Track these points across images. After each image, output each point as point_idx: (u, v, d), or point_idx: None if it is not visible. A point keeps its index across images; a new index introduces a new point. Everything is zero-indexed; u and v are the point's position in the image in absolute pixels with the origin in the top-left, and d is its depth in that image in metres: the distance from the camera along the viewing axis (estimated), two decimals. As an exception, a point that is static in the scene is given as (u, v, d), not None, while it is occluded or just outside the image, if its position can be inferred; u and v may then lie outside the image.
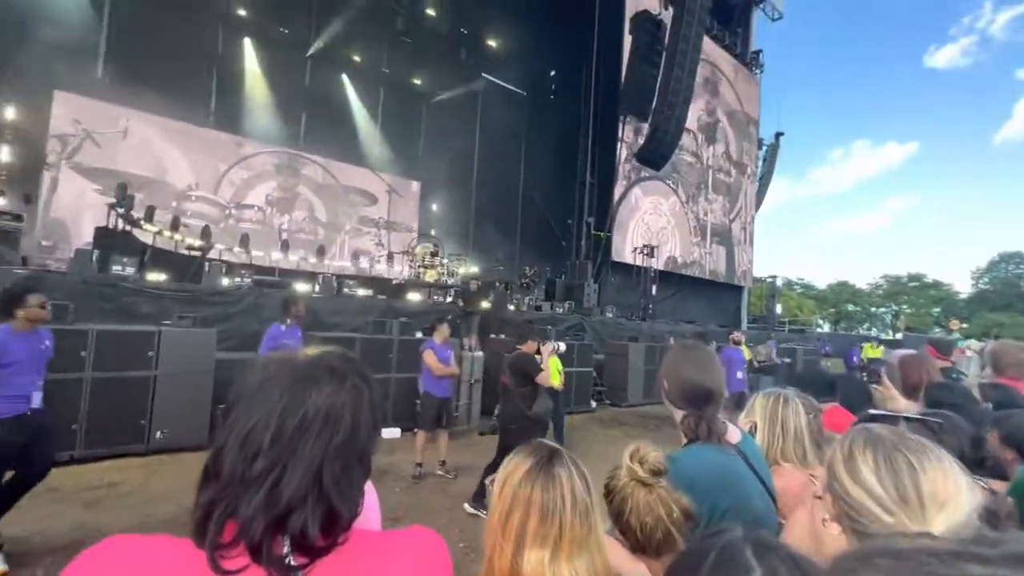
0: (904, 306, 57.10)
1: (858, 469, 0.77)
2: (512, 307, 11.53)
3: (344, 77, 16.71)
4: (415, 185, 18.27)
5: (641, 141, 15.83)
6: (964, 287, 57.99)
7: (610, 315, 13.60)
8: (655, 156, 14.77)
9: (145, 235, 9.57)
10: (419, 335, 7.30)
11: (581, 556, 0.84)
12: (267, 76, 14.76)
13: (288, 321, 4.59)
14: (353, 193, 16.78)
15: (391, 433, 6.73)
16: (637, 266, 16.82)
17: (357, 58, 16.55)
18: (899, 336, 33.61)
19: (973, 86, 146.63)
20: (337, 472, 0.61)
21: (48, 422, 3.22)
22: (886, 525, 0.71)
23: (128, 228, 8.87)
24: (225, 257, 11.24)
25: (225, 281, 7.99)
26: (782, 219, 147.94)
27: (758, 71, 23.99)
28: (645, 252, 16.66)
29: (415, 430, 5.97)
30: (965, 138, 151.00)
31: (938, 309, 55.71)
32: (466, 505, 4.38)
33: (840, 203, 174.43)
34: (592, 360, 9.48)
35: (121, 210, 8.65)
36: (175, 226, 10.78)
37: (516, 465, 0.92)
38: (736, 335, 7.80)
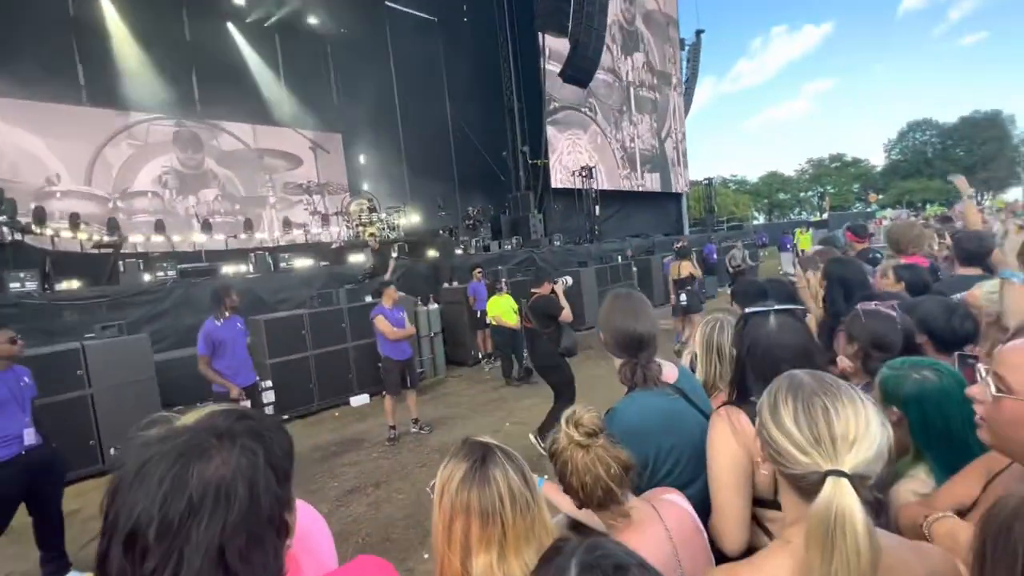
0: (828, 187, 60.66)
1: (780, 416, 0.83)
2: (460, 251, 11.40)
3: (230, 26, 14.83)
4: (336, 138, 17.05)
5: (551, 66, 15.20)
6: (879, 160, 62.00)
7: (558, 243, 13.71)
8: (579, 73, 14.29)
9: (40, 241, 8.62)
10: (368, 299, 7.13)
11: (530, 546, 0.86)
12: (138, 35, 12.83)
13: (226, 313, 4.32)
14: (270, 157, 15.48)
15: (360, 400, 6.74)
16: (578, 189, 16.80)
17: (239, 1, 14.62)
18: (825, 216, 35.95)
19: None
20: (243, 547, 0.56)
21: (48, 454, 3.20)
22: (802, 464, 0.78)
23: (18, 237, 7.93)
24: (141, 249, 10.35)
25: (146, 277, 7.39)
26: (709, 119, 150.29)
27: (673, -35, 23.13)
28: (584, 175, 16.60)
29: (383, 393, 6.01)
30: (874, 12, 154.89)
31: (858, 185, 59.61)
32: (531, 436, 4.56)
33: (764, 94, 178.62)
34: (546, 292, 9.63)
35: (3, 218, 7.67)
36: (75, 224, 9.73)
37: (451, 472, 0.91)
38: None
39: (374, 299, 6.73)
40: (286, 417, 6.14)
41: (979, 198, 48.08)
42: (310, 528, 0.88)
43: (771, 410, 0.84)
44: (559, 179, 16.58)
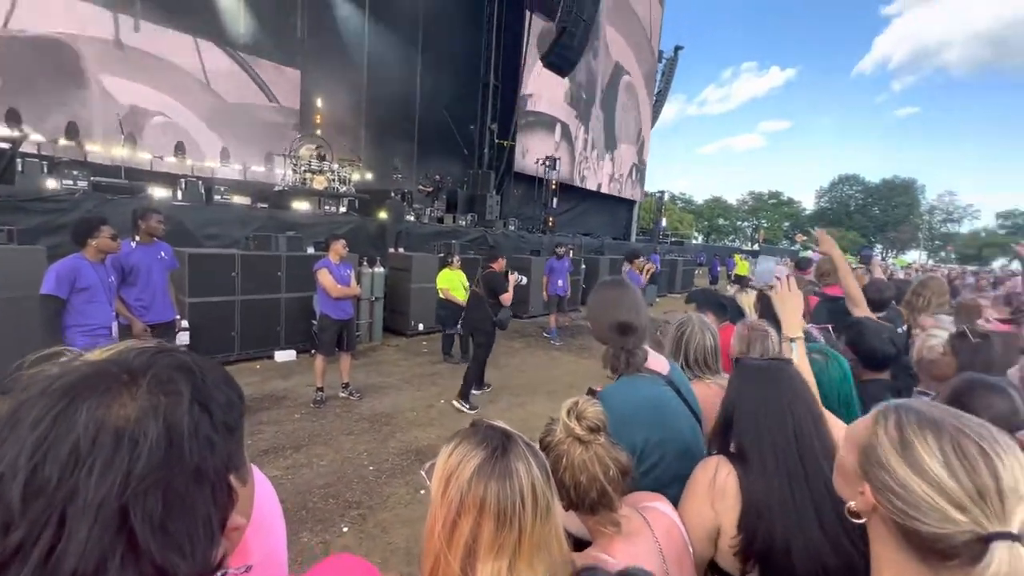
0: (763, 221, 64.97)
1: (918, 457, 0.65)
2: (411, 218, 10.97)
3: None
4: (294, 74, 15.72)
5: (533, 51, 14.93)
6: (810, 204, 67.27)
7: (512, 228, 13.57)
8: (561, 61, 14.10)
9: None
10: (311, 251, 6.64)
11: (542, 559, 0.73)
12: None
13: (138, 238, 3.77)
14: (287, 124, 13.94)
15: (286, 356, 6.30)
16: (538, 178, 16.72)
17: None
18: (756, 247, 38.47)
19: (847, 16, 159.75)
20: (156, 508, 0.39)
21: None
22: (956, 522, 0.61)
23: None
24: (47, 153, 9.01)
25: (50, 183, 6.42)
26: (671, 136, 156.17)
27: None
28: (547, 164, 16.53)
29: (313, 351, 5.63)
30: (832, 68, 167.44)
31: (788, 223, 64.30)
32: (454, 402, 5.13)
33: (724, 122, 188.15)
34: (495, 274, 9.50)
35: None
36: (-37, 108, 8.27)
37: (462, 458, 0.74)
38: (560, 249, 8.82)
39: (318, 251, 6.29)
40: (199, 363, 5.60)
41: (883, 255, 53.54)
42: (260, 500, 0.69)
43: (900, 448, 0.67)
44: (523, 163, 16.42)
